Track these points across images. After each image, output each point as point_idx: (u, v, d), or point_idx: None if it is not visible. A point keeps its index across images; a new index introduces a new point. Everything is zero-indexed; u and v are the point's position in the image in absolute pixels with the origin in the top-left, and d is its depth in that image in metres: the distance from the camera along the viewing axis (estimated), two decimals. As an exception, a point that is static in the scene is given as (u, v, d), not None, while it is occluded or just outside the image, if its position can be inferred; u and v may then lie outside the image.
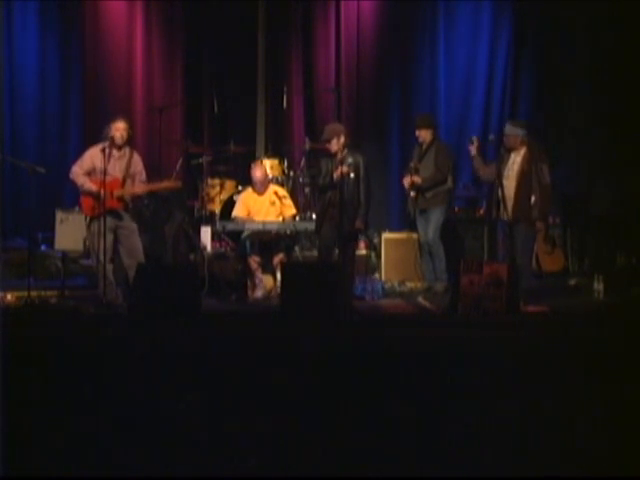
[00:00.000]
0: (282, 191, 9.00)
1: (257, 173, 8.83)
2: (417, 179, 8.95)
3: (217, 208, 9.64)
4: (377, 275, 9.63)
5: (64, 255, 9.14)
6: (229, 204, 9.38)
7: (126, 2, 11.23)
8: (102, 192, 7.69)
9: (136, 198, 8.08)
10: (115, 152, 7.90)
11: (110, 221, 7.74)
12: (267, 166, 9.56)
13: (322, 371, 5.23)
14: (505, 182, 7.98)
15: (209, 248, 9.19)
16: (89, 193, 7.83)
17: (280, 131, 11.40)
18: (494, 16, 11.17)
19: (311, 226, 8.46)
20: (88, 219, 7.91)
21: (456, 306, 7.46)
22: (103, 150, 7.67)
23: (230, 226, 8.66)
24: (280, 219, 8.69)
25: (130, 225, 7.96)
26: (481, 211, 10.08)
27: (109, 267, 7.86)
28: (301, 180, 10.04)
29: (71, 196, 9.34)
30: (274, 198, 8.78)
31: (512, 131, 8.06)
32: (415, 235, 9.47)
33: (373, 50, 11.35)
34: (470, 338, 6.49)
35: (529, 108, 10.91)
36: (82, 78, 11.03)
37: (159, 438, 4.19)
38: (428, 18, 11.28)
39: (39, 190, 8.59)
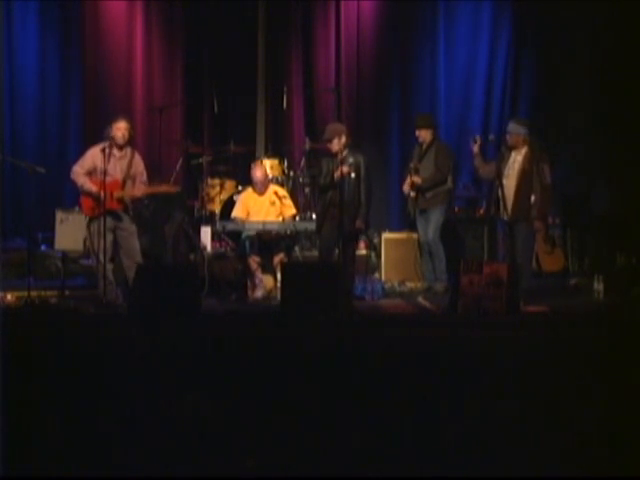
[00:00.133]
0: (282, 191, 8.99)
1: (257, 173, 8.83)
2: (417, 179, 8.95)
3: (217, 208, 9.64)
4: (377, 275, 9.63)
5: (64, 255, 9.14)
6: (229, 204, 9.38)
7: (126, 2, 11.23)
8: (102, 193, 7.69)
9: (136, 200, 8.08)
10: (116, 152, 7.90)
11: (109, 221, 7.75)
12: (267, 166, 9.56)
13: (322, 371, 5.23)
14: (505, 181, 7.99)
15: (209, 248, 9.19)
16: (89, 193, 7.84)
17: (280, 131, 11.40)
18: (494, 16, 11.17)
19: (311, 226, 8.47)
20: (88, 219, 7.92)
21: (456, 306, 7.46)
22: (103, 150, 7.67)
23: (230, 226, 8.66)
24: (280, 219, 8.69)
25: (129, 227, 7.96)
26: (481, 211, 10.08)
27: (109, 267, 7.88)
28: (301, 180, 10.05)
29: (71, 196, 9.34)
30: (274, 198, 8.78)
31: (515, 129, 8.05)
32: (415, 235, 9.47)
33: (373, 50, 11.35)
34: (470, 338, 6.49)
35: (529, 108, 10.90)
36: (82, 78, 11.02)
37: (159, 438, 4.19)
38: (428, 18, 11.28)
39: (39, 190, 8.60)
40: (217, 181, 9.84)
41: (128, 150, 8.00)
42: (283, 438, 4.21)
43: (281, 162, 10.05)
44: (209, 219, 9.54)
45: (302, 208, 9.67)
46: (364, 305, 8.25)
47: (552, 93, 10.87)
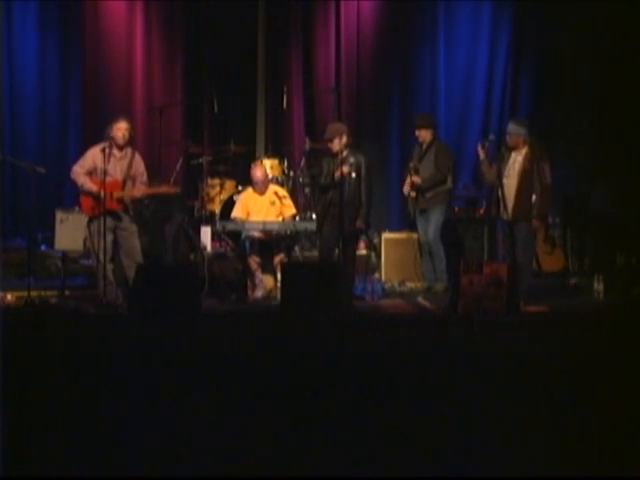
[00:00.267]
0: (282, 191, 8.99)
1: (257, 173, 8.83)
2: (417, 179, 8.95)
3: (217, 208, 9.64)
4: (377, 275, 9.63)
5: (64, 255, 9.14)
6: (229, 204, 9.38)
7: (126, 2, 11.23)
8: (102, 193, 7.69)
9: (136, 200, 8.08)
10: (116, 152, 7.90)
11: (110, 221, 7.75)
12: (267, 166, 9.56)
13: (322, 371, 5.23)
14: (505, 181, 7.99)
15: (209, 248, 9.19)
16: (89, 193, 7.84)
17: (280, 131, 11.41)
18: (494, 16, 11.17)
19: (311, 226, 8.47)
20: (88, 219, 7.92)
21: (456, 306, 7.46)
22: (104, 150, 7.67)
23: (230, 226, 8.66)
24: (280, 219, 8.70)
25: (129, 227, 7.96)
26: (481, 211, 10.07)
27: (109, 267, 7.88)
28: (301, 180, 10.05)
29: (71, 196, 9.34)
30: (274, 198, 8.78)
31: (515, 130, 8.05)
32: (415, 235, 9.47)
33: (373, 50, 11.35)
34: (470, 338, 6.49)
35: (529, 108, 10.90)
36: (82, 78, 11.02)
37: (159, 438, 4.19)
38: (428, 18, 11.28)
39: (39, 190, 8.57)
40: (217, 181, 9.84)
41: (128, 150, 8.00)
42: (283, 438, 4.21)
43: (281, 162, 10.06)
44: (209, 219, 9.54)
45: (302, 208, 9.67)
46: (364, 305, 8.25)
47: (552, 93, 10.88)
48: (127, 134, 7.92)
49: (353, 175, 7.98)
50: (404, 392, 4.84)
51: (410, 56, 11.29)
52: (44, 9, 10.96)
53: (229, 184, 9.89)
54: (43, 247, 9.90)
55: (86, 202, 7.90)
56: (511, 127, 8.14)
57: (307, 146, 10.22)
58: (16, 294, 8.04)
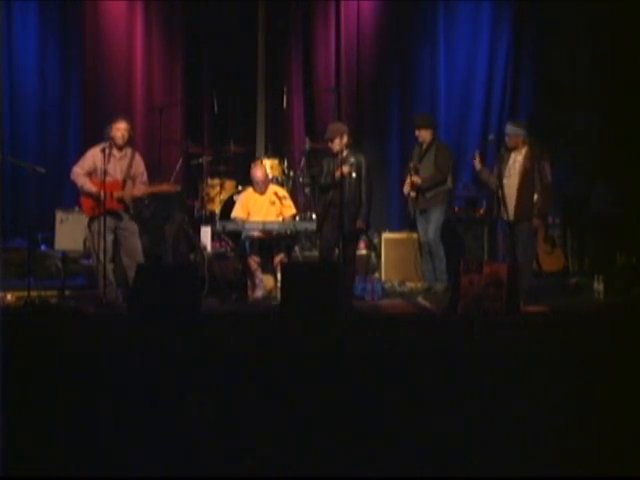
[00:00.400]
0: (282, 192, 8.99)
1: (258, 173, 8.83)
2: (417, 179, 8.95)
3: (217, 208, 9.64)
4: (377, 275, 9.64)
5: (64, 255, 9.15)
6: (229, 204, 9.38)
7: (126, 2, 11.24)
8: (102, 193, 7.70)
9: (136, 200, 8.08)
10: (116, 152, 7.90)
11: (110, 221, 7.75)
12: (267, 166, 9.56)
13: (322, 371, 5.23)
14: (506, 181, 7.99)
15: (209, 248, 9.19)
16: (89, 194, 7.84)
17: (280, 131, 11.41)
18: (494, 16, 11.17)
19: (311, 226, 8.47)
20: (88, 219, 7.92)
21: (456, 306, 7.46)
22: (104, 150, 7.68)
23: (230, 226, 8.66)
24: (280, 219, 8.69)
25: (130, 226, 7.96)
26: (481, 211, 10.08)
27: (109, 267, 7.88)
28: (301, 180, 10.06)
29: (71, 196, 9.34)
30: (274, 198, 8.78)
31: (514, 131, 8.06)
32: (415, 235, 9.47)
33: (373, 50, 11.36)
34: (470, 338, 6.49)
35: (529, 108, 10.91)
36: (82, 78, 11.03)
37: (159, 438, 4.19)
38: (428, 18, 11.28)
39: (39, 190, 8.59)
40: (217, 181, 9.84)
41: (128, 150, 8.01)
42: (283, 438, 4.21)
43: (281, 162, 10.06)
44: (209, 219, 9.54)
45: (302, 208, 9.67)
46: (364, 305, 8.25)
47: (552, 93, 10.88)
48: (126, 134, 7.93)
49: (353, 175, 7.98)
50: (404, 392, 4.84)
51: (410, 56, 11.29)
52: (44, 9, 10.96)
53: (229, 184, 9.89)
54: (43, 247, 9.90)
55: (86, 202, 7.90)
56: (509, 128, 8.14)
57: (307, 146, 10.22)
58: (16, 294, 8.04)
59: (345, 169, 7.92)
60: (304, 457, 4.02)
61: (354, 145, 8.46)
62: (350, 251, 8.14)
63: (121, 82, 11.15)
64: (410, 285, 9.31)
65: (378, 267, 9.73)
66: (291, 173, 10.05)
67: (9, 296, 8.02)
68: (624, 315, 7.54)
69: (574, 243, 10.13)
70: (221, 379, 5.07)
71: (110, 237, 7.80)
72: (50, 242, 9.66)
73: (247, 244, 8.59)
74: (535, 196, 7.92)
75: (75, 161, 8.11)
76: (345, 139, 8.05)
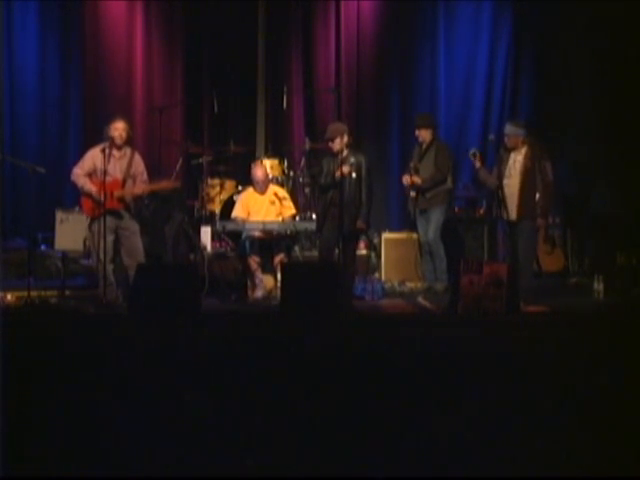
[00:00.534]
0: (282, 192, 8.99)
1: (258, 173, 8.83)
2: (417, 179, 8.96)
3: (217, 208, 9.64)
4: (377, 275, 9.64)
5: (64, 255, 9.14)
6: (229, 204, 9.38)
7: (126, 2, 11.23)
8: (102, 193, 7.69)
9: (137, 199, 8.08)
10: (115, 152, 7.90)
11: (111, 221, 7.75)
12: (267, 166, 9.56)
13: (322, 371, 5.23)
14: (506, 181, 8.00)
15: (209, 248, 9.19)
16: (89, 194, 7.84)
17: (280, 131, 11.40)
18: (494, 16, 11.17)
19: (311, 226, 8.47)
20: (89, 219, 7.92)
21: (456, 306, 7.46)
22: (103, 150, 7.68)
23: (230, 226, 8.66)
24: (280, 219, 8.70)
25: (131, 226, 7.96)
26: (481, 211, 10.09)
27: (109, 267, 7.87)
28: (301, 180, 10.06)
29: (71, 196, 9.35)
30: (274, 198, 8.78)
31: (513, 131, 8.07)
32: (415, 235, 9.48)
33: (373, 50, 11.35)
34: (470, 338, 6.49)
35: (529, 108, 10.91)
36: (82, 78, 11.02)
37: (159, 438, 4.19)
38: (428, 18, 11.28)
39: (39, 190, 8.58)
40: (217, 181, 9.84)
41: (127, 150, 8.01)
42: (283, 438, 4.21)
43: (281, 162, 10.05)
44: (209, 219, 9.54)
45: (302, 208, 9.67)
46: (364, 305, 8.25)
47: (552, 93, 10.88)
48: (124, 134, 7.92)
49: (353, 175, 7.98)
50: (404, 392, 4.84)
51: (410, 56, 11.29)
52: (44, 9, 10.96)
53: (229, 184, 9.89)
54: (43, 247, 9.90)
55: (87, 203, 7.90)
56: (509, 128, 8.15)
57: (307, 146, 10.22)
58: (16, 294, 8.03)
59: (345, 169, 7.91)
60: (304, 457, 4.02)
61: (354, 145, 8.45)
62: (350, 251, 8.13)
63: (121, 82, 11.14)
64: (410, 285, 9.31)
65: (378, 267, 9.73)
66: (291, 173, 10.05)
67: (9, 296, 8.01)
68: (624, 315, 7.54)
69: (574, 243, 10.14)
70: (221, 379, 5.07)
71: (111, 237, 7.79)
72: (50, 242, 9.66)
73: (247, 244, 8.59)
74: (537, 195, 7.93)
75: (75, 161, 8.12)
76: (345, 139, 8.04)
